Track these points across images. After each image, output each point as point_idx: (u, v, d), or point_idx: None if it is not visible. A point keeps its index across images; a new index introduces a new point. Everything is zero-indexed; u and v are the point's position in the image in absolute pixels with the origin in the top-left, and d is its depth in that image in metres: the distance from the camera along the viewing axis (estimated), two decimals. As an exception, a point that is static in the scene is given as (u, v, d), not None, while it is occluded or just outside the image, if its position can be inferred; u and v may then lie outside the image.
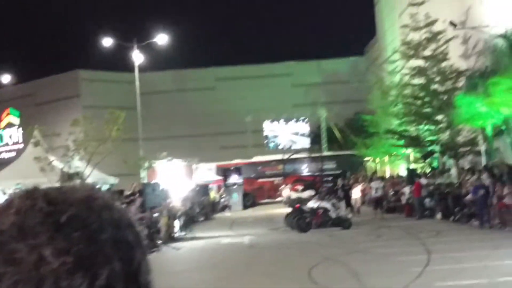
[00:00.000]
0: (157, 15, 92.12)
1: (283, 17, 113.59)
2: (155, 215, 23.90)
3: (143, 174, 43.74)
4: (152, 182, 30.58)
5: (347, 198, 34.33)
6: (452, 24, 33.04)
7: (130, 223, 1.17)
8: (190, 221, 31.74)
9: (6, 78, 64.99)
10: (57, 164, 29.61)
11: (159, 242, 23.33)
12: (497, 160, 27.99)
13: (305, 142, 66.28)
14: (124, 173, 41.40)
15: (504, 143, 29.66)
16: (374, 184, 34.66)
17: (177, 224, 28.46)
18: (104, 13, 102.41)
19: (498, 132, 29.22)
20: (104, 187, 34.13)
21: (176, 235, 27.31)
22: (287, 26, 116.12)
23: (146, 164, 40.11)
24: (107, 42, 46.05)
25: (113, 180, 39.41)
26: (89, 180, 30.77)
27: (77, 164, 30.01)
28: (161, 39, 46.96)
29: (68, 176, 29.00)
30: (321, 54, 77.54)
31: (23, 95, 72.04)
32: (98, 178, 34.43)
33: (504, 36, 28.77)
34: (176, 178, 41.74)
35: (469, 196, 25.02)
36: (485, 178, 23.77)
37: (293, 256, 18.94)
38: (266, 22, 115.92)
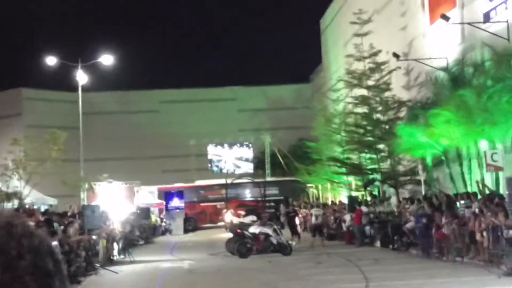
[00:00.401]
0: (103, 35, 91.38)
1: (230, 42, 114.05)
2: (94, 237, 23.49)
3: (83, 195, 43.13)
4: (92, 203, 30.10)
5: (293, 224, 34.11)
6: (395, 55, 33.69)
7: (51, 250, 1.14)
8: (129, 244, 31.31)
9: None
10: (-5, 183, 28.99)
11: (98, 265, 22.91)
12: (436, 190, 28.48)
13: (249, 167, 66.38)
14: (63, 194, 40.80)
15: (443, 174, 30.21)
16: (314, 211, 34.73)
17: (116, 247, 28.06)
18: (49, 31, 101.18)
19: (438, 163, 29.77)
20: (43, 208, 33.52)
21: (115, 258, 26.90)
22: (233, 50, 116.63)
23: (86, 186, 39.55)
24: (51, 60, 45.46)
25: (52, 201, 38.78)
26: (28, 200, 30.21)
27: (16, 184, 29.42)
28: (106, 59, 46.60)
29: (6, 196, 28.42)
30: (267, 79, 77.96)
31: (-38, 111, 70.35)
32: (37, 199, 33.84)
33: (445, 69, 29.44)
34: (117, 200, 41.26)
35: (409, 225, 25.36)
36: (424, 208, 24.11)
37: (232, 282, 18.84)
38: (213, 46, 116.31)
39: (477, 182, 23.34)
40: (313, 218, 33.32)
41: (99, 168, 48.48)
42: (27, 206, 28.40)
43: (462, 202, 23.01)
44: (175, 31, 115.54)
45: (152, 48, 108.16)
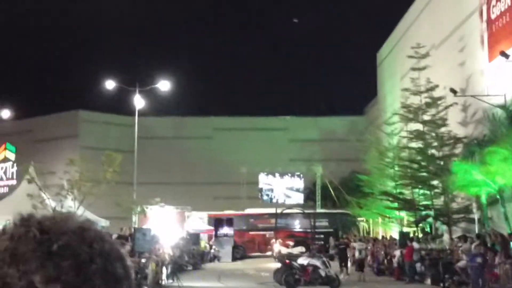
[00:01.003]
0: (161, 61, 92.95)
1: (285, 72, 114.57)
2: (143, 260, 23.68)
3: (135, 218, 43.57)
4: (143, 227, 30.39)
5: (343, 257, 33.39)
6: (453, 91, 33.33)
7: (121, 256, 1.18)
8: (178, 269, 31.47)
9: (6, 113, 65.07)
10: (50, 202, 29.48)
11: (146, 288, 23.09)
12: (490, 229, 27.92)
13: (299, 198, 66.12)
14: (116, 215, 41.31)
15: (498, 213, 29.62)
16: (358, 245, 33.93)
17: (165, 271, 28.21)
18: (109, 55, 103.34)
19: (493, 201, 29.21)
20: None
21: (163, 282, 27.04)
22: (289, 81, 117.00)
23: (139, 209, 39.94)
24: (110, 84, 46.34)
25: (104, 222, 39.22)
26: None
27: (70, 203, 29.90)
28: (163, 85, 47.27)
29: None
30: (321, 110, 77.94)
31: (21, 131, 72.02)
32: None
33: (503, 106, 29.00)
34: (167, 225, 41.53)
35: (461, 263, 24.90)
36: (476, 247, 23.64)
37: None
38: (268, 75, 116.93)
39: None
40: (357, 253, 32.62)
41: (152, 192, 48.91)
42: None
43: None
44: (232, 59, 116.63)
45: (209, 75, 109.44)
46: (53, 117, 72.82)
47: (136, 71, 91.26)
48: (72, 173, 29.87)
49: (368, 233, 53.34)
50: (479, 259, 21.50)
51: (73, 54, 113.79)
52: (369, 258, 37.65)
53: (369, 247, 34.88)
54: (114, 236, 26.33)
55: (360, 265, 31.46)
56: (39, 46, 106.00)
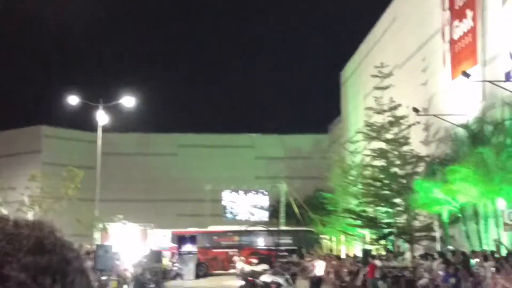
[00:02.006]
0: (125, 78, 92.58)
1: (250, 90, 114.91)
2: (104, 278, 23.38)
3: (97, 235, 43.09)
4: (105, 244, 30.03)
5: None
6: (415, 110, 33.68)
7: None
8: (140, 287, 31.11)
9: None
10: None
11: (107, 306, 22.78)
12: (451, 247, 28.14)
13: (264, 215, 66.13)
14: (77, 232, 40.72)
15: (459, 231, 29.91)
16: (317, 263, 33.80)
17: (126, 289, 27.89)
18: (72, 71, 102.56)
19: (454, 220, 29.48)
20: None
21: (124, 300, 26.74)
22: (253, 99, 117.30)
23: (101, 226, 39.51)
24: (73, 100, 45.91)
25: (65, 239, 38.74)
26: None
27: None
28: (128, 101, 46.97)
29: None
30: (285, 128, 78.30)
31: (-18, 146, 70.88)
32: (50, 236, 33.82)
33: (465, 126, 29.35)
34: (129, 242, 41.16)
35: (423, 281, 25.04)
36: (438, 265, 23.81)
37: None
38: (233, 94, 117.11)
39: (494, 240, 23.02)
40: (316, 270, 32.34)
41: (114, 209, 48.47)
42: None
43: (477, 260, 22.69)
44: (197, 76, 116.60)
45: (173, 92, 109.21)
46: (15, 132, 71.80)
47: (100, 87, 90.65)
48: (33, 189, 29.48)
49: (331, 250, 53.42)
50: (452, 280, 21.50)
51: (35, 69, 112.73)
52: (332, 275, 37.69)
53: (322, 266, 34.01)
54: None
55: (315, 283, 31.09)
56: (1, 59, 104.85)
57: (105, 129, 47.47)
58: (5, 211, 29.68)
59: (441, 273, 23.16)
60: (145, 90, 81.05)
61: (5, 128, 72.49)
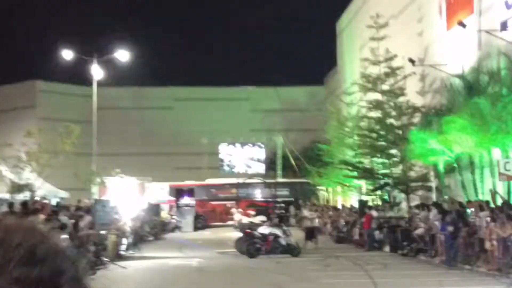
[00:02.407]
0: (119, 31, 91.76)
1: (245, 41, 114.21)
2: (103, 232, 23.59)
3: (94, 189, 43.26)
4: (103, 198, 30.21)
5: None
6: (411, 60, 33.56)
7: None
8: (139, 240, 31.46)
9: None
10: (8, 174, 29.08)
11: (107, 259, 23.01)
12: (447, 197, 28.38)
13: (260, 168, 66.43)
14: (75, 187, 40.96)
15: (455, 181, 30.11)
16: (309, 214, 33.62)
17: (125, 242, 28.14)
18: (66, 25, 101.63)
19: (450, 170, 29.65)
20: (54, 200, 33.68)
21: (124, 253, 27.00)
22: (249, 50, 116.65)
23: (98, 180, 39.63)
24: (67, 54, 45.58)
25: (63, 193, 38.94)
26: (39, 193, 30.33)
27: (28, 175, 29.52)
28: (122, 55, 46.67)
29: (18, 187, 28.53)
30: (281, 80, 77.93)
31: (-24, 102, 70.67)
32: (49, 191, 34.00)
33: (460, 76, 29.29)
34: (127, 196, 41.34)
35: (419, 231, 25.31)
36: (435, 215, 24.04)
37: (241, 282, 18.88)
38: (229, 45, 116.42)
39: (490, 190, 23.20)
40: (308, 222, 32.57)
41: (111, 163, 48.53)
42: (38, 198, 28.55)
43: (472, 210, 22.90)
44: (192, 28, 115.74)
45: (168, 45, 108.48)
46: (10, 87, 71.42)
47: (94, 41, 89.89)
48: (30, 145, 29.46)
49: (328, 201, 53.86)
50: (450, 228, 21.66)
51: (29, 23, 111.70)
52: (329, 226, 38.10)
53: (316, 217, 33.98)
54: (72, 208, 26.22)
55: (309, 233, 31.34)
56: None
57: (100, 83, 47.26)
58: (2, 167, 29.66)
59: (437, 223, 23.39)
60: (139, 44, 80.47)
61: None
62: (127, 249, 28.01)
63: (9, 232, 1.10)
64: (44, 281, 1.06)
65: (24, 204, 23.25)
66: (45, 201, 28.47)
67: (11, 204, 22.51)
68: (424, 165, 32.66)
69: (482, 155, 26.53)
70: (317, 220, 32.00)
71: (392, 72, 36.72)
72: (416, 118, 34.37)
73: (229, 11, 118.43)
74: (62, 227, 19.25)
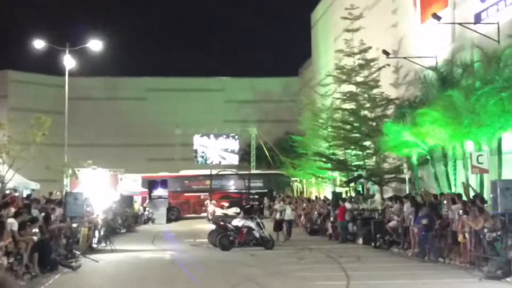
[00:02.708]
0: (92, 21, 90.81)
1: (219, 32, 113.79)
2: (75, 225, 23.29)
3: (67, 181, 42.88)
4: (75, 191, 29.85)
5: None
6: (385, 52, 33.58)
7: None
8: (111, 232, 31.17)
9: None
10: (-23, 166, 28.66)
11: (78, 253, 22.74)
12: (420, 189, 28.47)
13: (234, 159, 66.32)
14: (47, 178, 40.57)
15: (428, 173, 30.23)
16: (279, 207, 33.30)
17: (97, 235, 27.87)
18: (38, 14, 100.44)
19: (423, 162, 29.76)
20: (25, 192, 33.27)
21: (96, 246, 26.73)
22: (223, 41, 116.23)
23: (70, 171, 39.26)
24: (39, 44, 45.03)
25: (34, 185, 38.50)
26: (10, 185, 29.94)
27: (-1, 167, 29.15)
28: (94, 45, 46.22)
29: (-13, 179, 28.15)
30: (255, 71, 77.87)
31: None
32: (20, 183, 33.58)
33: (434, 68, 29.38)
34: (100, 187, 41.03)
35: (392, 223, 25.35)
36: (408, 207, 24.08)
37: (214, 275, 18.74)
38: (202, 36, 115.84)
39: (462, 183, 23.29)
40: (278, 214, 32.46)
41: (84, 154, 48.23)
42: (8, 192, 28.12)
43: (445, 202, 22.95)
44: (165, 18, 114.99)
45: (141, 35, 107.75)
46: (-19, 77, 70.65)
47: (66, 30, 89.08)
48: (0, 137, 29.04)
49: (302, 193, 53.91)
50: (424, 221, 21.64)
51: (0, 13, 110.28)
52: (302, 218, 38.09)
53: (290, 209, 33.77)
54: (43, 201, 25.87)
55: (277, 225, 31.28)
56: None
57: (73, 74, 46.82)
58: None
59: (411, 216, 23.41)
60: (112, 33, 79.70)
61: (-31, 73, 71.23)
62: (99, 242, 27.75)
63: None
64: None
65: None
66: (16, 194, 28.05)
67: (-21, 197, 22.14)
68: (397, 157, 32.80)
69: (455, 147, 26.65)
70: (289, 212, 31.91)
71: (366, 64, 36.81)
72: (390, 110, 34.49)
73: (202, 1, 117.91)
74: (33, 221, 18.94)
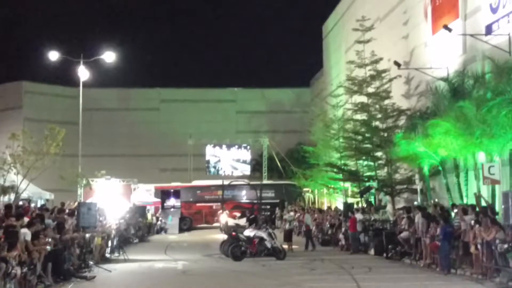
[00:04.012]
0: (106, 33, 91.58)
1: (231, 43, 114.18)
2: (88, 235, 23.46)
3: (80, 191, 43.18)
4: (88, 201, 30.08)
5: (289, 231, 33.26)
6: (396, 63, 33.69)
7: None
8: (124, 242, 31.34)
9: None
10: (-7, 176, 28.93)
11: (91, 262, 22.93)
12: (431, 200, 28.47)
13: (246, 169, 66.38)
14: (60, 188, 40.84)
15: (440, 184, 30.24)
16: (287, 216, 33.94)
17: (110, 244, 28.05)
18: (53, 26, 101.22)
19: (435, 173, 29.78)
20: (39, 202, 33.53)
21: (109, 256, 26.90)
22: (235, 52, 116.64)
23: (84, 181, 39.52)
24: (53, 55, 45.42)
25: (48, 195, 38.79)
26: (24, 195, 30.20)
27: (13, 177, 29.38)
28: (108, 56, 46.58)
29: (2, 190, 28.39)
30: (267, 82, 78.08)
31: (-40, 102, 70.22)
32: (34, 193, 33.88)
33: (446, 79, 29.43)
34: (113, 197, 41.29)
35: (403, 234, 25.35)
36: (419, 218, 24.08)
37: (225, 285, 18.86)
38: (215, 47, 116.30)
39: (474, 193, 23.29)
40: (287, 224, 32.74)
41: (97, 164, 48.51)
42: (21, 203, 28.37)
43: (456, 212, 22.95)
44: (178, 30, 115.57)
45: (154, 46, 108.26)
46: (-4, 88, 71.16)
47: (80, 42, 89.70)
48: (15, 147, 29.32)
49: (314, 203, 53.90)
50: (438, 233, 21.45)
51: (16, 24, 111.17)
52: (314, 228, 38.09)
53: (294, 219, 33.95)
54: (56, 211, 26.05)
55: (288, 235, 31.41)
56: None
57: (87, 85, 47.19)
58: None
59: (420, 227, 23.43)
60: (126, 45, 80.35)
61: (-15, 84, 71.75)
62: (112, 251, 27.93)
63: None
64: None
65: (8, 206, 23.12)
66: (32, 204, 28.33)
67: (-6, 208, 22.37)
68: (409, 168, 32.80)
69: (466, 158, 26.66)
70: (310, 222, 32.29)
71: (378, 75, 36.89)
72: (401, 121, 34.53)
73: (215, 13, 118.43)
74: (45, 230, 19.13)
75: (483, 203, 21.48)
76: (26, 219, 19.35)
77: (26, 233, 17.33)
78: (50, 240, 18.99)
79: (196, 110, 74.11)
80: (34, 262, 16.96)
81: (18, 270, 15.35)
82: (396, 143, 30.20)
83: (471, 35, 28.01)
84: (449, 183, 28.20)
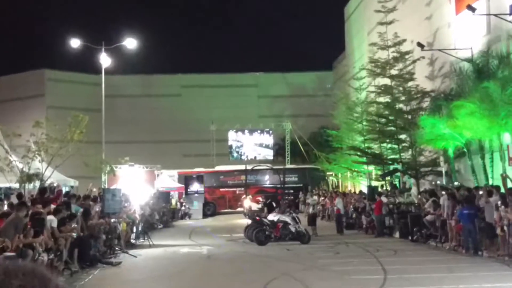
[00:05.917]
0: (127, 19, 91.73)
1: (253, 28, 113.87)
2: (113, 220, 23.61)
3: (104, 177, 43.39)
4: (113, 187, 30.25)
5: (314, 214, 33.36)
6: (420, 45, 33.37)
7: None
8: (149, 228, 31.52)
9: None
10: (17, 164, 29.12)
11: (117, 248, 23.08)
12: (457, 182, 28.28)
13: (269, 154, 66.37)
14: (85, 175, 41.00)
15: (465, 165, 30.02)
16: (310, 200, 34.16)
17: (135, 230, 28.23)
18: (74, 14, 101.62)
19: (460, 154, 29.56)
20: (64, 189, 33.74)
21: (134, 241, 27.07)
22: (257, 36, 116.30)
23: (108, 168, 39.70)
24: (75, 43, 45.53)
25: (73, 182, 39.03)
26: (49, 182, 30.37)
27: (37, 165, 29.58)
28: (130, 43, 46.61)
29: (27, 177, 28.57)
30: (289, 66, 77.80)
31: (-15, 91, 70.89)
32: (58, 180, 34.04)
33: (470, 60, 29.13)
34: (137, 184, 41.47)
35: (429, 217, 25.21)
36: (444, 200, 23.92)
37: (250, 269, 18.87)
38: (237, 32, 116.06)
39: (501, 175, 23.04)
40: (310, 208, 32.79)
41: (121, 151, 48.75)
42: (55, 184, 28.70)
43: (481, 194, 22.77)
44: (200, 15, 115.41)
45: (176, 32, 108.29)
46: (19, 76, 71.70)
47: (102, 29, 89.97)
48: (39, 135, 29.48)
49: (338, 187, 53.78)
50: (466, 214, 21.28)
51: (38, 12, 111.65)
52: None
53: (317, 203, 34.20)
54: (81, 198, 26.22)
55: (312, 219, 31.36)
56: (2, 4, 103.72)
57: (109, 72, 47.30)
58: (12, 158, 29.63)
59: (446, 209, 23.28)
60: (147, 31, 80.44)
61: (8, 72, 72.40)
62: (137, 237, 28.10)
63: (9, 276, 1.07)
64: None
65: (43, 190, 23.33)
66: (59, 188, 28.61)
67: (19, 195, 22.54)
68: (433, 150, 32.58)
69: (492, 139, 26.42)
70: (341, 206, 32.47)
71: (401, 56, 36.56)
72: (425, 103, 34.24)
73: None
74: (71, 217, 19.27)
75: (510, 184, 21.26)
76: (52, 206, 19.47)
77: (52, 220, 17.47)
78: (76, 225, 19.14)
79: (218, 96, 74.18)
80: (60, 249, 17.10)
81: (45, 257, 15.47)
82: (420, 125, 29.97)
83: (495, 15, 27.65)
84: (474, 164, 27.99)
